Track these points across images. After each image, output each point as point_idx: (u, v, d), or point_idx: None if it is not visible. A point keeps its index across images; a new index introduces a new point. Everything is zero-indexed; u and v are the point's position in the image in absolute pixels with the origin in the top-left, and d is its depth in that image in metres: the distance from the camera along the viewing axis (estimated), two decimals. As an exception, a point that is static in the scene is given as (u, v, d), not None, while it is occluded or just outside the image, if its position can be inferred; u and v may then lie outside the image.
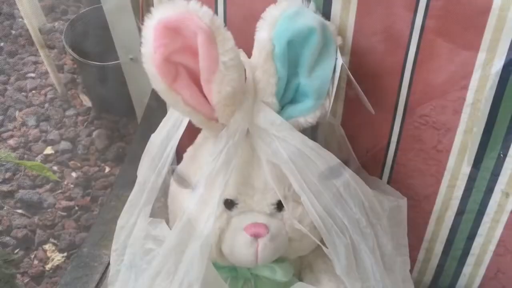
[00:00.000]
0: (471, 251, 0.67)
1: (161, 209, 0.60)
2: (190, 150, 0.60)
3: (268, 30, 0.52)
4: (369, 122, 0.62)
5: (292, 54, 0.53)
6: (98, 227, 0.61)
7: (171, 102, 0.50)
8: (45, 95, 1.60)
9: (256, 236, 0.53)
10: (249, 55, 0.54)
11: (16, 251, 1.27)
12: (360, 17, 0.55)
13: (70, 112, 1.57)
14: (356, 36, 0.57)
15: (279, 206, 0.54)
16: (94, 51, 1.42)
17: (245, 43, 0.54)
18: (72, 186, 1.40)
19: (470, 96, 0.56)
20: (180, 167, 0.60)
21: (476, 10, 0.51)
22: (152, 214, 0.57)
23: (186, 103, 0.50)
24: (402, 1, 0.54)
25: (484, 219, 0.64)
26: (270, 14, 0.52)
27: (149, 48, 0.47)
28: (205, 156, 0.55)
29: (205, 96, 0.51)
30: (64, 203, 1.36)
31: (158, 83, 0.49)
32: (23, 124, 1.53)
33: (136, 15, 0.89)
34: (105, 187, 1.40)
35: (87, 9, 1.55)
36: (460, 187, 0.62)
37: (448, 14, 0.53)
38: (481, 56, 0.53)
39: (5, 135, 1.49)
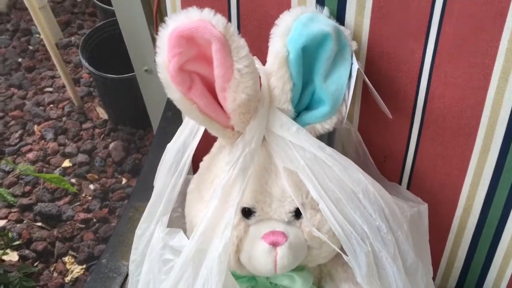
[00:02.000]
0: (495, 256, 0.65)
1: (178, 219, 0.60)
2: (206, 159, 0.60)
3: (282, 37, 0.52)
4: (387, 127, 0.61)
5: (306, 60, 0.53)
6: (116, 238, 0.61)
7: (186, 110, 0.50)
8: (63, 108, 1.63)
9: (274, 245, 0.52)
10: (263, 62, 0.54)
11: (36, 263, 1.29)
12: (375, 22, 0.55)
13: (87, 125, 1.59)
14: (372, 40, 0.56)
15: (297, 213, 0.54)
16: (109, 64, 1.44)
17: (260, 50, 0.54)
18: (90, 198, 1.41)
19: (489, 98, 0.55)
20: (197, 176, 0.60)
21: (492, 12, 0.51)
22: (170, 224, 0.57)
23: (202, 111, 0.50)
24: (417, 4, 0.53)
25: (508, 223, 0.62)
26: (284, 21, 0.52)
27: (164, 57, 0.47)
28: (221, 165, 0.55)
29: (220, 104, 0.51)
30: (83, 215, 1.37)
31: (173, 92, 0.49)
32: (42, 137, 1.55)
33: (150, 27, 0.90)
34: (122, 198, 1.41)
35: (102, 23, 1.57)
36: (482, 191, 0.61)
37: (465, 16, 0.52)
38: (500, 59, 0.52)
39: (24, 149, 1.52)
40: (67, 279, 1.27)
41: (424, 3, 0.53)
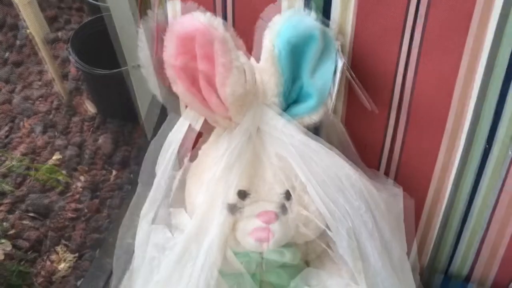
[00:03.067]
0: (463, 234, 0.72)
1: (179, 202, 0.65)
2: (204, 147, 0.65)
3: (273, 37, 0.57)
4: (367, 119, 0.68)
5: (295, 58, 0.59)
6: (122, 219, 0.66)
7: (189, 103, 0.56)
8: (51, 103, 1.65)
9: (267, 223, 0.58)
10: (257, 59, 0.60)
11: (29, 253, 1.32)
12: (358, 19, 0.61)
13: (75, 119, 1.61)
14: (355, 37, 0.62)
15: (287, 195, 0.60)
16: (97, 59, 1.47)
17: (251, 48, 0.59)
18: (80, 189, 1.45)
19: (457, 92, 0.62)
20: (195, 163, 0.65)
21: (460, 14, 0.57)
22: (172, 207, 0.62)
23: (203, 103, 0.56)
24: (394, 7, 0.59)
25: (473, 204, 0.69)
26: (275, 23, 0.58)
27: (170, 56, 0.53)
28: (219, 152, 0.60)
29: (219, 97, 0.56)
30: (74, 206, 1.40)
31: (178, 86, 0.54)
32: (31, 131, 1.57)
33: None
34: (112, 190, 1.44)
35: (90, 18, 1.59)
36: (451, 176, 0.68)
37: (435, 17, 0.58)
38: (466, 57, 0.59)
39: (14, 142, 1.54)
40: (60, 267, 1.30)
41: (401, 7, 0.59)
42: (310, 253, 0.68)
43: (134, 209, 0.63)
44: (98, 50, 1.51)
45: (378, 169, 0.72)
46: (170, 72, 0.53)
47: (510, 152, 0.62)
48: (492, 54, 0.58)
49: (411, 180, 0.70)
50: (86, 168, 1.49)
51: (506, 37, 0.56)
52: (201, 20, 0.52)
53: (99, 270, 0.65)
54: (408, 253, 0.71)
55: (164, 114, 0.65)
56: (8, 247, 1.32)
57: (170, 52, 0.52)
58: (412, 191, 0.70)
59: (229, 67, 0.53)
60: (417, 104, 0.64)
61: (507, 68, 0.58)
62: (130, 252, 0.63)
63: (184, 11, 0.56)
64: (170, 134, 0.62)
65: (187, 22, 0.52)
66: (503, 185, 0.66)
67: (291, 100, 0.61)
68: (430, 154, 0.67)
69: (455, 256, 0.75)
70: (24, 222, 1.37)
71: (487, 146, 0.64)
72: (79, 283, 1.18)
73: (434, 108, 0.64)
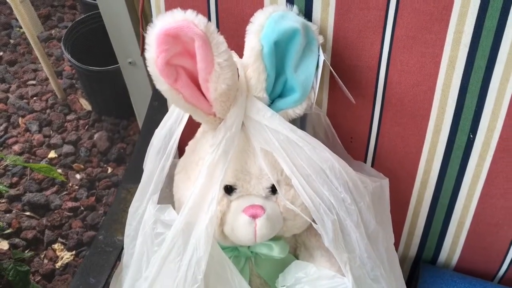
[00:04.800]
0: (450, 224, 0.73)
1: (166, 199, 0.66)
2: (191, 143, 0.66)
3: (256, 33, 0.58)
4: (352, 112, 0.68)
5: (278, 53, 0.59)
6: (111, 217, 0.67)
7: (173, 100, 0.57)
8: (46, 101, 1.66)
9: (253, 217, 0.59)
10: (240, 55, 0.61)
11: (26, 251, 1.33)
12: (338, 17, 0.62)
13: (71, 116, 1.62)
14: (336, 34, 0.63)
15: (274, 189, 0.60)
16: (91, 57, 1.47)
17: (236, 44, 0.60)
18: (76, 187, 1.46)
19: (439, 84, 0.62)
20: (183, 159, 0.66)
21: (440, 7, 0.58)
22: (159, 203, 0.63)
23: (187, 100, 0.56)
24: (375, 1, 0.60)
25: (459, 194, 0.70)
26: (258, 18, 0.59)
27: (152, 54, 0.53)
28: (205, 148, 0.61)
29: (203, 94, 0.57)
30: (70, 203, 1.41)
31: (161, 83, 0.55)
32: (27, 130, 1.58)
33: (133, 22, 0.95)
34: (108, 186, 1.45)
35: (83, 16, 1.60)
36: (436, 167, 0.69)
37: (416, 11, 0.59)
38: (447, 49, 0.60)
39: (10, 141, 1.55)
40: (58, 265, 1.31)
41: (381, 0, 0.60)
42: (299, 246, 0.69)
43: (141, 193, 0.63)
44: (91, 47, 1.52)
45: (365, 161, 0.72)
46: (152, 70, 0.54)
47: (471, 136, 0.63)
48: (473, 45, 0.58)
49: (398, 172, 0.71)
50: (82, 166, 1.50)
51: (486, 28, 0.57)
52: (182, 17, 0.53)
53: (91, 265, 0.66)
54: (397, 245, 0.72)
55: (164, 108, 0.66)
56: (5, 246, 1.33)
57: (152, 50, 0.53)
58: (398, 182, 0.71)
59: (211, 63, 0.54)
60: (401, 96, 0.65)
61: (488, 58, 0.59)
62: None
63: (168, 8, 0.56)
64: (171, 123, 0.63)
65: (168, 19, 0.53)
66: (488, 174, 0.67)
67: (275, 94, 0.61)
68: (415, 145, 0.68)
69: (443, 246, 0.76)
70: (21, 220, 1.38)
71: (471, 136, 0.65)
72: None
73: (418, 100, 0.64)
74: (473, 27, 0.57)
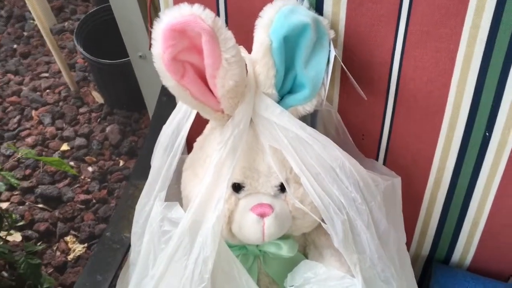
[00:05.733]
0: (464, 224, 0.72)
1: (174, 195, 0.66)
2: (199, 139, 0.65)
3: (265, 27, 0.57)
4: (364, 108, 0.67)
5: (288, 48, 0.58)
6: (119, 213, 0.66)
7: (180, 96, 0.56)
8: (59, 93, 1.67)
9: (262, 216, 0.58)
10: (249, 50, 0.59)
11: (39, 243, 1.34)
12: (350, 12, 0.60)
13: (83, 109, 1.63)
14: (348, 29, 0.61)
15: (282, 187, 0.59)
16: (104, 49, 1.47)
17: (245, 39, 0.59)
18: (89, 180, 1.46)
19: (454, 80, 0.61)
20: (191, 155, 0.65)
21: (455, 1, 0.56)
22: (167, 199, 0.62)
23: (194, 97, 0.55)
24: (388, -5, 0.58)
25: (474, 193, 0.68)
26: (267, 13, 0.57)
27: (158, 49, 0.52)
28: (213, 145, 0.60)
29: (210, 90, 0.56)
30: (82, 196, 1.42)
31: (167, 80, 0.54)
32: (40, 122, 1.59)
33: (144, 15, 0.94)
34: (120, 179, 1.46)
35: (95, 8, 1.60)
36: (450, 165, 0.67)
37: (431, 5, 0.57)
38: (463, 44, 0.58)
39: (23, 133, 1.56)
40: (70, 257, 1.32)
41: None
42: (308, 245, 0.68)
43: (148, 190, 0.63)
44: (104, 40, 1.51)
45: (377, 159, 0.71)
46: (158, 66, 0.53)
47: (487, 134, 0.61)
48: (490, 41, 0.56)
49: (410, 170, 0.69)
50: (94, 159, 1.50)
51: (504, 23, 0.55)
52: (188, 11, 0.51)
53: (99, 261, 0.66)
54: (409, 245, 0.70)
55: (172, 104, 0.65)
56: (18, 238, 1.34)
57: (158, 45, 0.52)
58: (411, 180, 0.69)
59: (219, 59, 0.52)
60: (415, 93, 0.63)
61: (505, 55, 0.57)
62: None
63: (176, 2, 0.55)
64: (179, 120, 0.62)
65: (175, 14, 0.51)
66: (504, 173, 0.65)
67: (284, 91, 0.60)
68: (429, 143, 0.66)
69: (456, 246, 0.74)
70: (34, 213, 1.39)
71: (487, 133, 0.63)
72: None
73: (432, 96, 0.62)
74: (490, 22, 0.55)
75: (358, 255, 0.57)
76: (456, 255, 0.75)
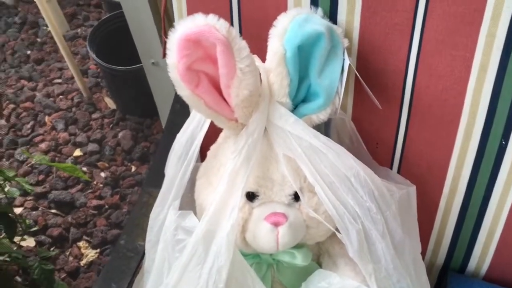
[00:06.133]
0: (480, 233, 0.71)
1: (188, 204, 0.66)
2: (213, 148, 0.65)
3: (279, 36, 0.57)
4: (378, 117, 0.66)
5: (302, 57, 0.58)
6: (133, 221, 0.67)
7: (194, 105, 0.56)
8: (72, 99, 1.68)
9: (276, 225, 0.58)
10: (263, 59, 0.59)
11: (52, 248, 1.35)
12: (364, 20, 0.60)
13: (96, 115, 1.64)
14: (362, 37, 0.61)
15: (296, 196, 0.59)
16: (117, 56, 1.48)
17: (259, 48, 0.59)
18: (101, 185, 1.47)
19: (470, 88, 0.60)
20: (204, 164, 0.65)
21: (471, 9, 0.55)
22: (181, 208, 0.62)
23: (208, 106, 0.55)
24: (402, 3, 0.58)
25: (490, 202, 0.68)
26: (281, 22, 0.57)
27: (173, 59, 0.52)
28: (227, 154, 0.60)
29: (225, 99, 0.56)
30: (95, 202, 1.43)
31: (182, 89, 0.54)
32: (53, 128, 1.61)
33: (156, 22, 0.94)
34: (132, 185, 1.46)
35: (108, 15, 1.61)
36: (466, 173, 0.66)
37: (446, 13, 0.57)
38: (478, 52, 0.57)
39: (36, 139, 1.57)
40: (82, 262, 1.33)
41: (409, 2, 0.58)
42: (322, 254, 0.67)
43: (162, 198, 0.63)
44: (116, 46, 1.52)
45: (391, 167, 0.70)
46: (173, 75, 0.53)
47: (503, 142, 0.61)
48: (506, 49, 0.56)
49: (425, 178, 0.69)
50: (107, 164, 1.51)
51: (521, 31, 0.54)
52: (203, 21, 0.52)
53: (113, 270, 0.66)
54: (424, 254, 0.70)
55: (185, 111, 0.65)
56: (32, 243, 1.35)
57: (173, 55, 0.52)
58: (426, 189, 0.69)
59: (233, 68, 0.53)
60: (430, 101, 0.63)
61: (522, 63, 0.56)
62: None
63: (190, 12, 0.55)
64: (193, 128, 0.62)
65: (189, 24, 0.52)
66: (521, 183, 0.65)
67: (298, 100, 0.60)
68: (444, 152, 0.66)
69: (472, 255, 0.73)
70: (47, 218, 1.40)
71: (503, 142, 0.62)
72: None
73: (447, 105, 0.62)
74: (506, 30, 0.55)
75: (373, 265, 0.56)
76: (472, 264, 0.75)
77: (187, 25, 0.52)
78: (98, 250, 1.34)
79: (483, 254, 0.73)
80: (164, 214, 0.62)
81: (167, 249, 0.60)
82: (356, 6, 0.59)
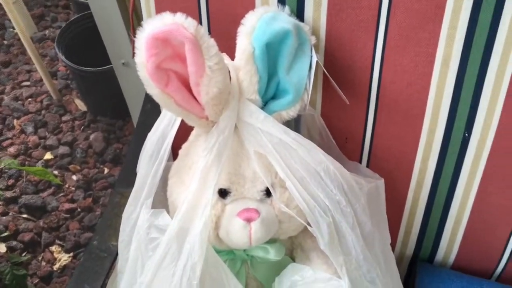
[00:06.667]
0: (447, 222, 0.73)
1: (161, 202, 0.66)
2: (184, 146, 0.65)
3: (247, 34, 0.57)
4: (346, 112, 0.68)
5: (271, 54, 0.58)
6: (105, 222, 0.66)
7: (164, 104, 0.56)
8: (41, 102, 1.65)
9: (248, 220, 0.58)
10: (232, 57, 0.60)
11: (24, 254, 1.32)
12: (330, 18, 0.61)
13: (66, 117, 1.61)
14: (329, 35, 0.62)
15: (268, 192, 0.60)
16: (86, 57, 1.47)
17: (228, 47, 0.59)
18: (73, 188, 1.45)
19: (433, 83, 0.62)
20: (176, 162, 0.66)
21: (432, 5, 0.57)
22: (154, 206, 0.62)
23: (178, 104, 0.56)
24: (367, 0, 0.59)
25: (456, 192, 0.70)
26: (249, 20, 0.58)
27: (142, 58, 0.52)
28: (198, 152, 0.60)
29: (195, 98, 0.56)
30: (67, 205, 1.41)
31: (151, 88, 0.54)
32: (22, 131, 1.58)
33: (125, 22, 0.94)
34: (105, 187, 1.45)
35: (76, 16, 1.59)
36: (432, 166, 0.68)
37: (409, 10, 0.58)
38: (441, 47, 0.59)
39: (5, 143, 1.54)
40: (55, 267, 1.31)
41: (373, 0, 0.59)
42: (295, 248, 0.68)
43: (134, 197, 0.63)
44: (86, 47, 1.51)
45: (360, 162, 0.72)
46: (142, 74, 0.53)
47: (466, 135, 0.63)
48: (467, 44, 0.58)
49: (393, 172, 0.70)
50: (78, 167, 1.49)
51: (480, 25, 0.56)
52: (171, 20, 0.52)
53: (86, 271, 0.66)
54: (393, 245, 0.71)
55: (156, 111, 0.65)
56: (3, 249, 1.33)
57: (141, 54, 0.52)
58: (394, 182, 0.70)
59: (202, 66, 0.53)
60: (395, 96, 0.64)
61: (482, 56, 0.58)
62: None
63: (158, 11, 0.55)
64: (164, 127, 0.62)
65: (157, 23, 0.52)
66: (484, 173, 0.67)
67: (268, 97, 0.61)
68: (410, 145, 0.67)
69: (440, 245, 0.76)
70: (18, 223, 1.38)
71: (466, 134, 0.64)
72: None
73: (412, 100, 0.64)
74: (467, 21, 0.56)
75: (344, 256, 0.58)
76: (440, 254, 0.77)
77: (155, 24, 0.52)
78: (71, 254, 1.33)
79: (450, 243, 0.75)
80: (137, 213, 0.62)
81: (140, 248, 0.60)
82: (322, 3, 0.60)
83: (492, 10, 0.55)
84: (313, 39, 0.61)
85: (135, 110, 1.14)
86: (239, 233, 0.59)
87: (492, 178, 0.67)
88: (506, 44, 0.57)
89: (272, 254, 0.63)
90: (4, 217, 1.39)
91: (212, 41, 0.53)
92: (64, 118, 1.61)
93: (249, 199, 0.60)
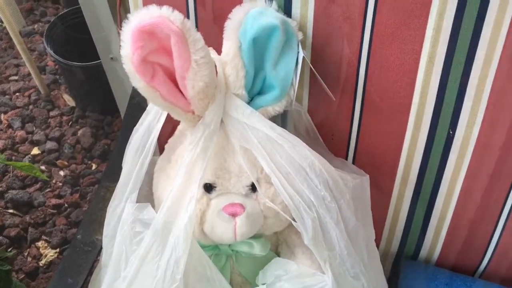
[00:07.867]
0: (431, 219, 0.74)
1: (146, 197, 0.66)
2: (170, 141, 0.65)
3: (234, 29, 0.57)
4: (333, 109, 0.68)
5: (257, 49, 0.58)
6: (90, 216, 0.66)
7: (150, 98, 0.56)
8: (29, 96, 1.64)
9: (233, 215, 0.59)
10: (219, 52, 0.60)
11: (9, 249, 1.31)
12: (317, 13, 0.61)
13: (54, 112, 1.60)
14: (316, 31, 0.62)
15: (253, 187, 0.60)
16: (75, 52, 1.46)
17: (215, 41, 0.59)
18: (60, 184, 1.44)
19: (419, 80, 0.62)
20: (162, 157, 0.65)
21: (418, 3, 0.57)
22: (139, 201, 0.62)
23: (164, 98, 0.56)
24: (354, -2, 0.59)
25: (440, 189, 0.70)
26: (236, 15, 0.58)
27: (127, 50, 0.52)
28: (184, 146, 0.60)
29: (181, 91, 0.56)
30: (54, 201, 1.40)
31: (137, 81, 0.54)
32: (9, 126, 1.56)
33: (114, 17, 0.93)
34: (92, 183, 1.44)
35: (65, 11, 1.58)
36: (417, 163, 0.69)
37: (395, 7, 0.59)
38: (426, 45, 0.59)
39: (-9, 137, 1.53)
40: (42, 262, 1.30)
41: (360, -3, 0.59)
42: (280, 244, 0.68)
43: (119, 191, 0.63)
44: (75, 42, 1.50)
45: (346, 158, 0.72)
46: (128, 67, 0.53)
47: (451, 132, 0.63)
48: (452, 41, 0.58)
49: (379, 168, 0.71)
50: (66, 162, 1.48)
51: (465, 23, 0.57)
52: (157, 13, 0.52)
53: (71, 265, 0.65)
54: (379, 241, 0.72)
55: (144, 105, 0.65)
56: (-12, 245, 1.32)
57: (127, 47, 0.52)
58: (379, 178, 0.71)
59: (188, 60, 0.53)
60: (381, 93, 0.65)
61: (467, 55, 0.59)
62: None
63: (146, 4, 0.55)
64: (150, 121, 0.62)
65: (143, 15, 0.52)
66: (468, 170, 0.67)
67: (254, 92, 0.61)
68: (396, 142, 0.68)
69: (424, 241, 0.76)
70: (4, 218, 1.36)
71: (450, 132, 0.65)
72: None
73: (398, 97, 0.64)
74: (452, 23, 0.57)
75: (328, 252, 0.58)
76: (424, 251, 0.77)
77: (141, 17, 0.52)
78: (57, 250, 1.32)
79: (434, 239, 0.75)
80: (122, 207, 0.62)
81: (124, 242, 0.60)
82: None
83: (478, 6, 0.56)
84: (300, 35, 0.61)
85: (123, 106, 1.13)
86: (223, 227, 0.59)
87: (476, 176, 0.68)
88: (491, 42, 0.57)
89: (257, 249, 0.63)
90: (-11, 212, 1.38)
91: (198, 35, 0.53)
92: (52, 113, 1.60)
93: (235, 194, 0.60)
